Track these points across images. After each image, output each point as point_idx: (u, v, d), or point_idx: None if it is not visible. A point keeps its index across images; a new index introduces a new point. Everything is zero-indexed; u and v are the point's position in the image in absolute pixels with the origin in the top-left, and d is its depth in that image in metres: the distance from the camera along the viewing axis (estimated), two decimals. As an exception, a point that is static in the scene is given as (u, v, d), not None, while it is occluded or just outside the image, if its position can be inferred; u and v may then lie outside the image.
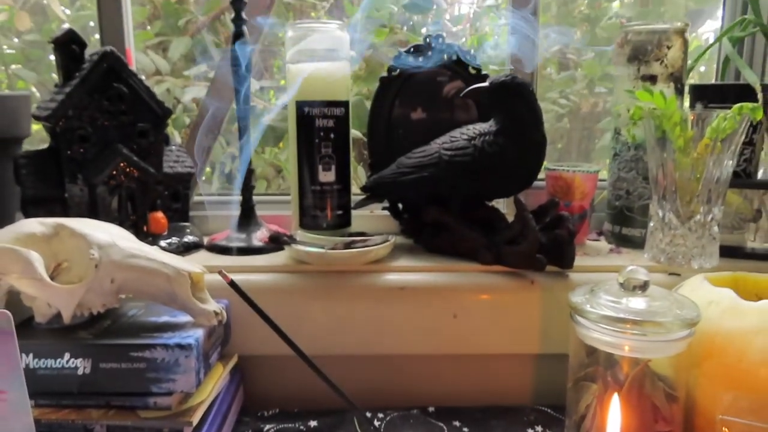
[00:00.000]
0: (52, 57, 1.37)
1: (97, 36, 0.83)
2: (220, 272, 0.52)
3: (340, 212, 0.76)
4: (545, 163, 0.77)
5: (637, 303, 0.50)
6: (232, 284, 0.51)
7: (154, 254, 0.58)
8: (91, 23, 1.34)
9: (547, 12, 1.33)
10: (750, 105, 0.63)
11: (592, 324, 0.50)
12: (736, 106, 0.63)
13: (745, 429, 0.46)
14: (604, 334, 0.50)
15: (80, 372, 0.53)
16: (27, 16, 1.20)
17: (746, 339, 0.49)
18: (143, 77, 0.72)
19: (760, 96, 0.70)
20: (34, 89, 1.38)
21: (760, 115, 0.63)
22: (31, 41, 1.38)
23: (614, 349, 0.50)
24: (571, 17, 1.33)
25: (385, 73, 0.80)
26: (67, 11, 1.34)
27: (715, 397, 0.50)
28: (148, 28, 1.34)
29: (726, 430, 0.47)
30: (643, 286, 0.51)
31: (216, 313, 0.58)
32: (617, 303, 0.50)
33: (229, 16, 0.74)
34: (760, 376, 0.48)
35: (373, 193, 0.76)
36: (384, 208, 0.82)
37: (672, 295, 0.52)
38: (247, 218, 0.77)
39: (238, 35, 0.72)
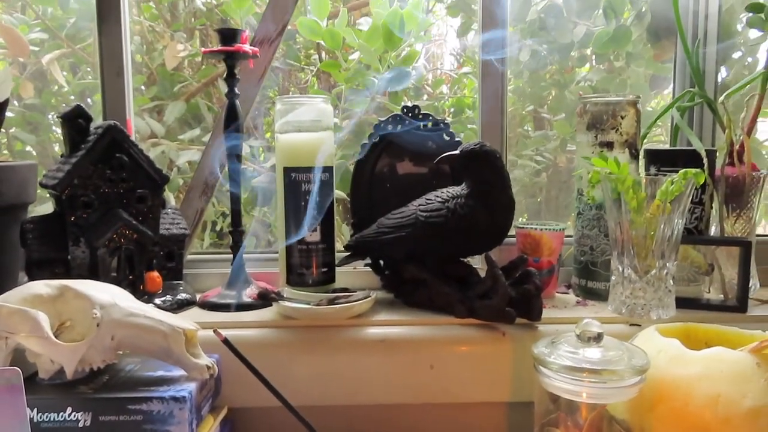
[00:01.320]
0: (50, 118, 1.44)
1: (94, 98, 0.89)
2: (214, 331, 0.57)
3: (324, 269, 0.81)
4: (516, 222, 0.84)
5: (593, 353, 0.55)
6: (226, 341, 0.56)
7: (152, 313, 0.62)
8: (90, 97, 1.42)
9: (519, 77, 1.42)
10: (693, 171, 0.70)
11: (554, 373, 0.55)
12: (681, 171, 0.70)
13: (691, 468, 0.51)
14: (564, 382, 0.55)
15: (81, 425, 0.57)
16: (31, 86, 1.27)
17: (691, 385, 0.54)
18: (141, 144, 0.78)
19: (705, 161, 0.78)
20: (30, 148, 1.43)
21: (702, 180, 0.70)
22: (30, 105, 1.45)
23: (574, 396, 0.55)
24: (541, 82, 1.42)
25: (366, 140, 0.87)
26: (64, 74, 1.41)
27: (666, 439, 0.54)
28: (144, 91, 1.42)
29: (675, 469, 0.52)
30: (597, 338, 0.56)
31: (208, 368, 0.62)
32: (575, 354, 0.56)
33: (223, 80, 0.80)
34: (705, 419, 0.53)
35: (355, 251, 0.82)
36: (366, 265, 0.87)
37: (624, 345, 0.57)
38: (237, 276, 0.82)
39: (231, 107, 0.79)
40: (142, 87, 1.39)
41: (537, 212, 1.54)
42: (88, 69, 1.45)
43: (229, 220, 1.22)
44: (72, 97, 1.46)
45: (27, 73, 1.31)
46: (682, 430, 0.54)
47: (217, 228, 1.25)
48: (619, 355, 0.55)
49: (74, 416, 0.57)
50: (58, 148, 1.46)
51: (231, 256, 0.85)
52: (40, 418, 0.57)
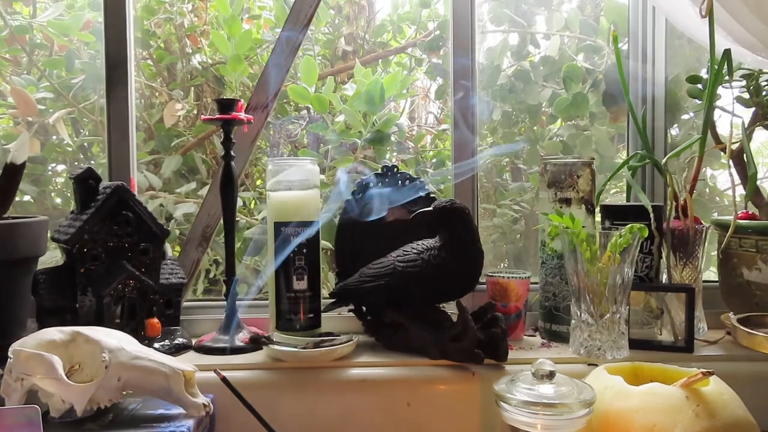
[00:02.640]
0: (51, 170, 1.52)
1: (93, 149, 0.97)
2: (215, 371, 0.64)
3: (311, 315, 0.89)
4: (487, 269, 0.92)
5: (547, 389, 0.63)
6: (224, 380, 0.63)
7: (154, 356, 0.69)
8: (90, 150, 1.50)
9: (494, 133, 1.52)
10: (638, 225, 0.79)
11: (513, 408, 0.63)
12: (628, 226, 0.79)
13: (632, 491, 0.58)
14: (522, 415, 0.62)
15: (89, 459, 0.64)
16: (38, 143, 1.35)
17: (630, 416, 0.62)
18: (140, 196, 0.86)
19: (651, 216, 0.87)
20: (28, 197, 1.50)
21: (645, 233, 0.79)
22: (32, 158, 1.53)
23: (530, 427, 0.62)
24: (515, 137, 1.52)
25: (350, 197, 0.96)
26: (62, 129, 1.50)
27: (612, 466, 0.61)
28: (142, 146, 1.50)
29: (618, 492, 0.59)
30: (550, 375, 0.64)
31: (204, 405, 0.69)
32: (531, 389, 0.63)
33: (217, 136, 0.89)
34: (643, 447, 0.60)
35: (339, 298, 0.90)
36: (350, 311, 0.94)
37: (574, 381, 0.65)
38: (230, 322, 0.89)
39: (227, 168, 0.88)
40: (141, 142, 1.48)
41: (517, 257, 1.62)
42: (84, 121, 1.54)
43: (221, 267, 1.30)
44: (70, 149, 1.54)
45: (32, 130, 1.40)
46: (625, 458, 0.61)
47: (210, 275, 1.32)
48: (570, 390, 0.63)
49: (83, 451, 0.64)
50: (58, 200, 1.54)
51: (224, 302, 0.92)
52: (53, 453, 0.63)
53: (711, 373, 0.61)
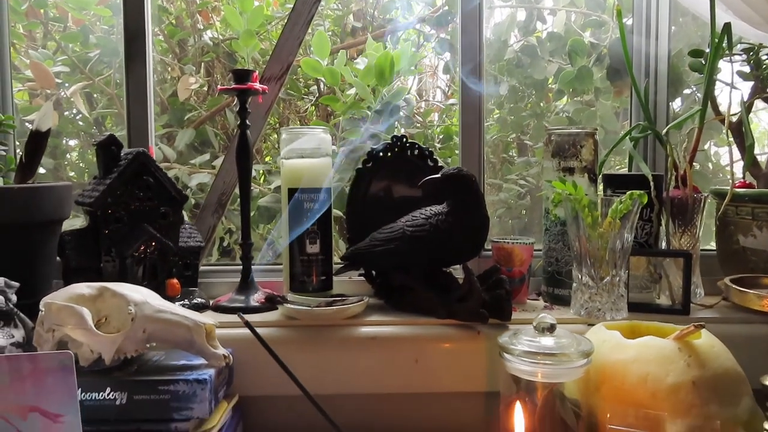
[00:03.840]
0: (66, 142, 1.55)
1: (106, 124, 1.00)
2: (238, 314, 0.68)
3: (323, 278, 0.93)
4: (491, 236, 0.95)
5: (547, 341, 0.67)
6: (247, 324, 0.67)
7: (177, 310, 0.73)
8: (103, 124, 1.54)
9: (501, 108, 1.55)
10: (638, 192, 0.82)
11: (514, 358, 0.67)
12: (628, 193, 0.82)
13: (626, 434, 0.62)
14: (523, 364, 0.66)
15: (118, 403, 0.68)
16: (56, 115, 1.39)
17: (626, 367, 0.65)
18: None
19: (651, 184, 0.90)
20: (43, 170, 1.54)
21: (645, 200, 0.82)
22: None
23: (530, 376, 0.66)
24: (522, 113, 1.55)
25: (360, 165, 0.99)
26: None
27: (608, 413, 0.65)
28: (156, 119, 1.54)
29: (613, 436, 0.63)
30: (551, 328, 0.67)
31: (224, 357, 0.73)
32: (532, 341, 0.67)
33: (230, 110, 0.92)
34: (637, 394, 0.64)
35: (350, 262, 0.93)
36: (360, 275, 0.98)
37: (573, 335, 0.69)
38: (246, 283, 0.93)
39: (242, 137, 0.91)
40: (155, 115, 1.52)
41: (522, 231, 1.65)
42: (96, 95, 1.58)
43: (235, 236, 1.34)
44: (82, 124, 1.58)
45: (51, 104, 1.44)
46: (620, 405, 0.64)
47: (225, 244, 1.36)
48: (569, 342, 0.67)
49: (112, 395, 0.68)
50: (72, 173, 1.58)
51: (239, 267, 0.96)
52: (83, 396, 0.68)
53: (702, 326, 0.65)
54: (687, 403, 0.61)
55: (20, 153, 0.90)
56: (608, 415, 0.63)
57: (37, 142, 0.89)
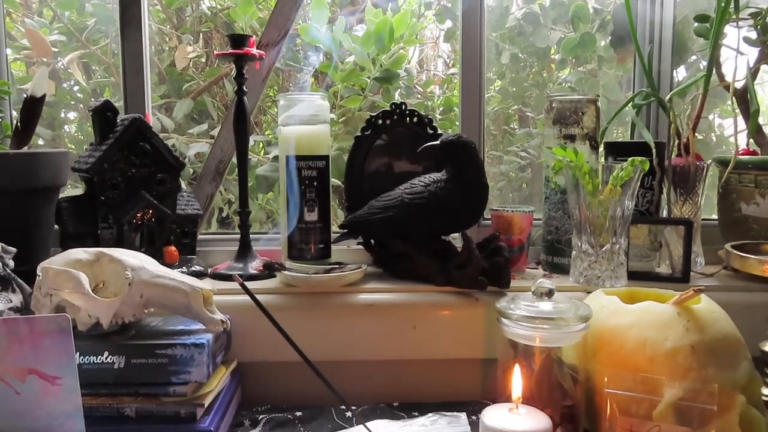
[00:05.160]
0: (64, 114, 1.54)
1: (104, 94, 1.00)
2: (234, 276, 0.68)
3: (321, 246, 0.92)
4: (490, 205, 0.94)
5: (545, 305, 0.67)
6: (243, 285, 0.67)
7: (174, 275, 0.73)
8: (101, 95, 1.52)
9: (503, 78, 1.53)
10: (639, 158, 0.81)
11: (512, 322, 0.66)
12: (630, 159, 0.81)
13: (622, 398, 0.62)
14: (521, 329, 0.66)
15: (116, 366, 0.68)
16: (53, 84, 1.37)
17: (625, 332, 0.65)
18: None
19: (653, 151, 0.89)
20: (42, 141, 1.54)
21: (647, 167, 0.81)
22: (47, 102, 1.56)
23: (528, 341, 0.66)
24: (523, 83, 1.53)
25: (359, 133, 0.98)
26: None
27: (605, 377, 0.65)
28: (154, 89, 1.52)
29: (610, 399, 0.63)
30: (549, 293, 0.67)
31: (222, 322, 0.73)
32: (530, 306, 0.67)
33: (228, 80, 0.91)
34: (635, 359, 0.63)
35: (349, 230, 0.93)
36: (359, 243, 0.98)
37: (572, 300, 0.68)
38: (245, 251, 0.92)
39: (239, 103, 0.90)
40: (152, 85, 1.50)
41: (523, 203, 1.64)
42: (95, 68, 1.56)
43: (234, 207, 1.33)
44: (80, 95, 1.57)
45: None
46: (617, 370, 0.64)
47: (224, 214, 1.36)
48: (568, 307, 0.66)
49: (110, 359, 0.68)
50: (71, 146, 1.57)
51: (237, 236, 0.95)
52: (82, 360, 0.68)
53: (702, 290, 0.64)
54: (685, 367, 0.61)
55: (16, 120, 0.89)
56: (606, 379, 0.63)
57: (33, 108, 0.88)
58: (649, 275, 0.90)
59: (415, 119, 0.98)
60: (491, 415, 0.57)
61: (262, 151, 1.50)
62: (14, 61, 1.44)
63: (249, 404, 0.81)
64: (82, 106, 1.60)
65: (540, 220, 0.99)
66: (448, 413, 0.70)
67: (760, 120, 0.95)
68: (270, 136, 1.54)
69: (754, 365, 0.65)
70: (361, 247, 0.98)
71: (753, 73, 0.92)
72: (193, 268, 0.90)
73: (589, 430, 0.68)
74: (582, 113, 0.92)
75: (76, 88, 1.61)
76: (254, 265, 0.91)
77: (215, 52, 0.92)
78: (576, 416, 0.66)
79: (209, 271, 0.93)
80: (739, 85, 0.93)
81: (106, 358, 0.68)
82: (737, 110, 0.93)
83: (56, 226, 0.88)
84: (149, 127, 0.87)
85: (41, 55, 1.32)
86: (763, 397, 0.71)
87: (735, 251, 0.84)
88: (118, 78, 1.37)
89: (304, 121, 0.91)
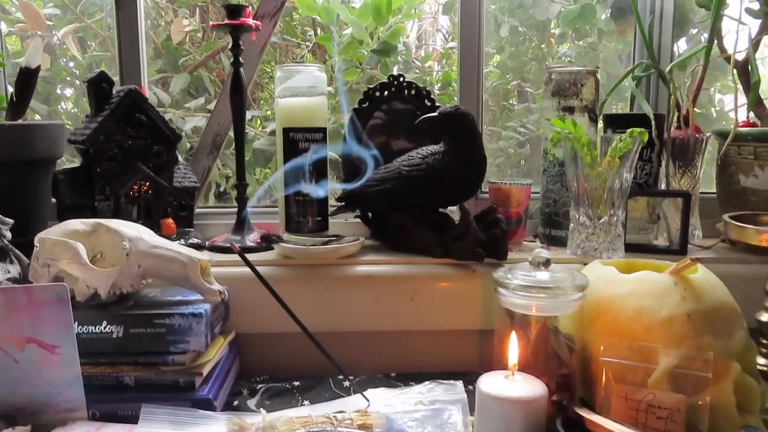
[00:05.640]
0: (60, 91, 1.53)
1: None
2: (230, 244, 0.68)
3: (319, 218, 0.92)
4: (490, 169, 0.94)
5: (542, 275, 0.67)
6: (240, 254, 0.67)
7: (172, 245, 0.73)
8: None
9: (502, 52, 1.52)
10: (638, 130, 0.80)
11: (509, 292, 0.67)
12: (629, 130, 0.81)
13: (618, 366, 0.62)
14: (518, 298, 0.66)
15: (114, 336, 0.68)
16: (49, 58, 1.36)
17: (621, 302, 0.65)
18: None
19: (652, 123, 0.88)
20: (38, 117, 1.53)
21: (645, 138, 0.81)
22: (42, 77, 1.54)
23: (525, 310, 0.66)
24: (522, 57, 1.51)
25: (356, 105, 0.98)
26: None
27: (601, 346, 0.65)
28: (150, 64, 1.51)
29: (605, 368, 0.63)
30: (546, 263, 0.67)
31: (220, 292, 0.73)
32: (527, 275, 0.67)
33: (224, 55, 0.90)
34: (631, 328, 0.64)
35: (346, 202, 0.93)
36: (356, 216, 0.98)
37: (569, 270, 0.68)
38: (242, 224, 0.92)
39: (236, 75, 0.89)
40: (149, 60, 1.49)
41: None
42: (90, 43, 1.55)
43: (231, 181, 1.33)
44: (76, 71, 1.55)
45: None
46: (614, 339, 0.64)
47: (221, 189, 1.35)
48: (565, 276, 0.66)
49: (109, 328, 0.69)
50: (68, 123, 1.56)
51: (234, 209, 0.95)
52: (80, 330, 0.68)
53: (698, 260, 0.64)
54: (681, 335, 0.61)
55: (11, 92, 0.88)
56: (602, 348, 0.63)
57: (28, 80, 0.87)
58: (647, 247, 0.90)
59: (413, 92, 0.97)
60: (487, 381, 0.58)
61: (260, 126, 1.50)
62: (8, 35, 1.42)
63: (247, 374, 0.82)
64: (78, 82, 1.59)
65: (538, 193, 0.99)
66: (445, 381, 0.71)
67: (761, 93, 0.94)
68: (267, 112, 1.53)
69: (749, 334, 0.65)
70: (358, 220, 0.97)
71: (755, 44, 0.91)
72: (190, 241, 0.90)
73: (585, 398, 0.68)
74: (581, 85, 0.91)
75: (71, 63, 1.60)
76: (252, 238, 0.91)
77: (211, 23, 0.91)
78: (572, 385, 0.67)
79: (206, 243, 0.93)
80: (740, 57, 0.92)
81: (105, 328, 0.69)
82: (738, 83, 0.93)
83: (53, 199, 0.88)
84: (145, 98, 0.86)
85: (35, 28, 1.30)
86: (759, 367, 0.72)
87: (733, 221, 0.84)
88: (114, 52, 1.36)
89: (301, 93, 0.90)
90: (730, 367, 0.61)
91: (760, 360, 0.74)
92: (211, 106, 1.35)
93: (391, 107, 0.98)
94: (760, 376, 0.65)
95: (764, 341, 0.75)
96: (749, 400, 0.62)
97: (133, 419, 0.63)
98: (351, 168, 0.98)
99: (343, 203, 0.93)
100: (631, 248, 0.88)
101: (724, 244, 0.94)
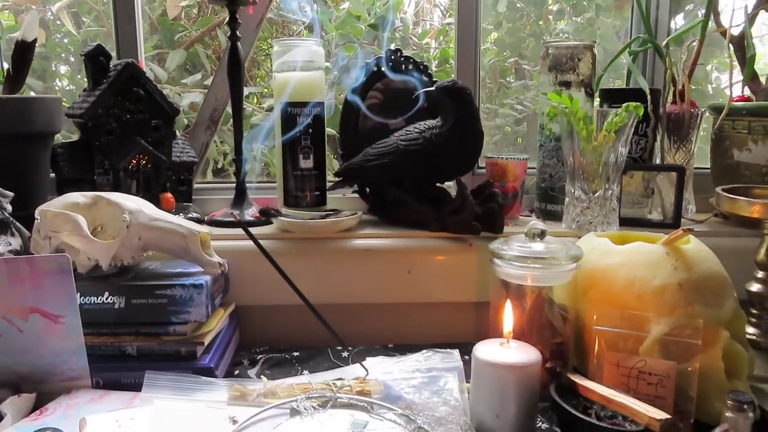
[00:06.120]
0: (54, 68, 1.53)
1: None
2: (232, 214, 0.68)
3: (317, 193, 0.93)
4: (486, 147, 0.95)
5: (538, 246, 0.68)
6: (241, 223, 0.68)
7: (172, 218, 0.74)
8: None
9: (499, 29, 1.51)
10: (634, 104, 0.81)
11: (505, 262, 0.68)
12: (625, 104, 0.81)
13: (610, 335, 0.64)
14: (514, 269, 0.67)
15: (116, 306, 0.69)
16: (43, 33, 1.35)
17: (615, 272, 0.66)
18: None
19: (648, 97, 0.89)
20: (33, 94, 1.52)
21: (641, 112, 0.81)
22: (37, 53, 1.53)
23: (520, 280, 0.67)
24: (520, 33, 1.51)
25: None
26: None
27: (594, 315, 0.67)
28: (146, 40, 1.50)
29: (598, 336, 0.64)
30: (541, 234, 0.68)
31: (220, 264, 0.74)
32: (523, 246, 0.68)
33: (221, 31, 0.90)
34: (624, 297, 0.65)
35: (344, 177, 0.93)
36: (354, 192, 0.98)
37: (564, 241, 0.69)
38: (241, 198, 0.93)
39: (233, 48, 0.89)
40: (145, 35, 1.48)
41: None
42: (84, 18, 1.54)
43: (229, 158, 1.33)
44: (71, 48, 1.54)
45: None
46: (606, 308, 0.66)
47: (219, 165, 1.36)
48: (559, 247, 0.67)
49: (111, 299, 0.70)
50: (64, 101, 1.55)
51: (232, 184, 0.96)
52: (82, 300, 0.69)
53: (691, 230, 0.66)
54: (672, 304, 0.62)
55: (8, 66, 0.88)
56: (595, 317, 0.64)
57: (24, 53, 0.87)
58: (641, 222, 0.92)
59: (410, 66, 0.97)
60: (483, 348, 0.59)
61: (257, 103, 1.49)
62: (2, 9, 1.41)
63: (247, 346, 0.83)
64: (72, 59, 1.59)
65: (534, 168, 0.99)
66: (441, 350, 0.72)
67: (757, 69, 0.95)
68: (264, 90, 1.52)
69: (739, 303, 0.66)
70: (356, 195, 0.98)
71: (751, 18, 0.91)
72: (189, 215, 0.91)
73: (578, 367, 0.70)
74: (578, 60, 0.91)
75: (66, 40, 1.59)
76: (251, 212, 0.91)
77: (208, -3, 0.91)
78: (565, 353, 0.68)
79: (206, 218, 0.93)
80: (735, 31, 0.92)
81: (107, 299, 0.70)
82: (734, 58, 0.93)
83: (52, 174, 0.88)
84: (142, 72, 0.86)
85: (30, 3, 1.29)
86: (748, 336, 0.73)
87: (726, 194, 0.85)
88: (110, 27, 1.35)
89: (298, 67, 0.90)
90: (719, 334, 0.62)
91: (750, 329, 0.76)
92: (208, 82, 1.35)
93: (388, 86, 0.98)
94: (748, 344, 0.67)
95: (754, 311, 0.77)
96: (737, 367, 0.63)
97: (136, 387, 0.64)
98: (349, 143, 0.98)
99: (340, 178, 0.93)
100: (626, 222, 0.89)
101: (716, 218, 0.95)
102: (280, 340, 0.84)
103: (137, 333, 0.70)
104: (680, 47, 1.04)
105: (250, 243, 0.83)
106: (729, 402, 0.59)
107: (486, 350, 0.59)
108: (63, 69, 1.64)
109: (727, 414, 0.59)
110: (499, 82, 1.69)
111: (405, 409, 0.58)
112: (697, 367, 0.60)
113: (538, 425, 0.62)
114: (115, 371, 0.68)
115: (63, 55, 1.61)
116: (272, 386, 0.64)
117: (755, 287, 0.76)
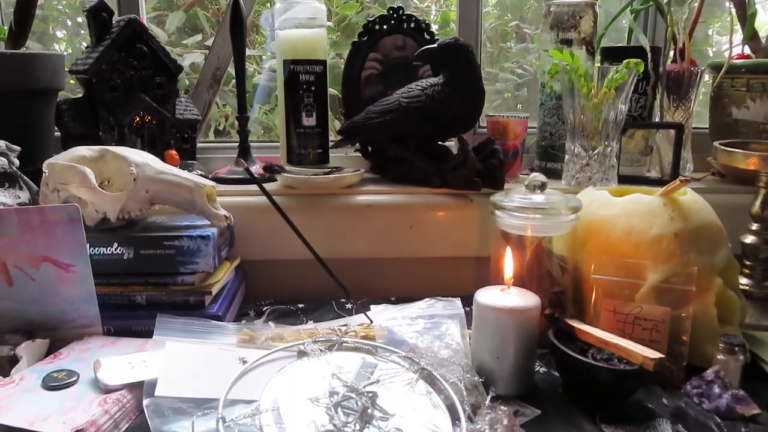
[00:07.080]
0: (52, 31, 1.51)
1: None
2: (238, 160, 0.69)
3: (320, 151, 0.94)
4: (486, 112, 0.96)
5: (538, 198, 0.69)
6: (247, 170, 0.69)
7: (178, 171, 0.75)
8: None
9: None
10: (635, 60, 0.82)
11: (506, 213, 0.69)
12: (625, 61, 0.82)
13: (607, 283, 0.65)
14: (514, 219, 0.69)
15: (125, 257, 0.71)
16: (42, -7, 1.34)
17: (613, 222, 0.68)
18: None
19: (648, 55, 0.89)
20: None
21: (641, 68, 0.82)
22: (36, 15, 1.52)
23: (521, 230, 0.69)
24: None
25: (356, 39, 0.98)
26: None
27: (593, 264, 0.68)
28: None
29: (596, 285, 0.66)
30: (542, 186, 0.70)
31: (226, 217, 0.75)
32: (524, 198, 0.69)
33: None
34: (621, 246, 0.67)
35: (346, 135, 0.94)
36: (356, 151, 0.99)
37: (563, 194, 0.71)
38: (244, 156, 0.94)
39: (235, 5, 0.89)
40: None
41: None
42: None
43: (231, 120, 1.34)
44: (68, 11, 1.53)
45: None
46: (604, 257, 0.67)
47: (220, 128, 1.36)
48: (559, 199, 0.69)
49: (120, 250, 0.71)
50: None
51: (236, 143, 0.97)
52: (92, 251, 0.70)
53: (688, 181, 0.67)
54: (668, 253, 0.64)
55: (10, 21, 0.88)
56: (593, 267, 0.66)
57: (26, 9, 0.87)
58: (639, 179, 0.93)
59: (412, 24, 0.97)
60: (484, 294, 0.61)
61: (257, 66, 1.49)
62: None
63: (253, 299, 0.85)
64: (70, 22, 1.57)
65: (534, 128, 1.00)
66: (444, 298, 0.74)
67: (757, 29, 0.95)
68: (264, 56, 1.52)
69: (732, 254, 0.68)
70: (358, 154, 0.99)
71: (752, -24, 0.91)
72: (194, 172, 0.91)
73: (576, 315, 0.72)
74: (579, 17, 0.92)
75: (63, 3, 1.57)
76: (254, 169, 0.92)
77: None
78: (563, 302, 0.70)
79: (210, 175, 0.94)
80: (737, -11, 0.92)
81: (116, 250, 0.71)
82: (735, 18, 0.93)
83: (56, 133, 0.89)
84: (145, 28, 0.86)
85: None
86: (741, 286, 0.75)
87: (722, 147, 0.86)
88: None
89: (301, 24, 0.90)
90: (712, 281, 0.64)
91: (743, 280, 0.78)
92: (208, 44, 1.35)
93: (387, 57, 0.98)
94: (741, 293, 0.69)
95: (747, 263, 0.79)
96: (730, 313, 0.66)
97: (146, 335, 0.66)
98: (351, 101, 0.99)
99: (343, 136, 0.94)
100: (624, 180, 0.91)
101: (714, 176, 0.96)
102: (284, 293, 0.86)
103: (146, 283, 0.72)
104: (681, 7, 1.03)
105: (255, 199, 0.85)
106: (721, 345, 0.61)
107: (487, 295, 0.61)
108: (60, 34, 1.63)
109: (718, 356, 0.61)
110: (500, 47, 1.68)
111: (408, 352, 0.60)
112: (691, 312, 0.62)
113: (536, 370, 0.64)
114: (125, 320, 0.70)
115: (60, 18, 1.60)
116: (279, 331, 0.66)
117: (749, 239, 0.78)
